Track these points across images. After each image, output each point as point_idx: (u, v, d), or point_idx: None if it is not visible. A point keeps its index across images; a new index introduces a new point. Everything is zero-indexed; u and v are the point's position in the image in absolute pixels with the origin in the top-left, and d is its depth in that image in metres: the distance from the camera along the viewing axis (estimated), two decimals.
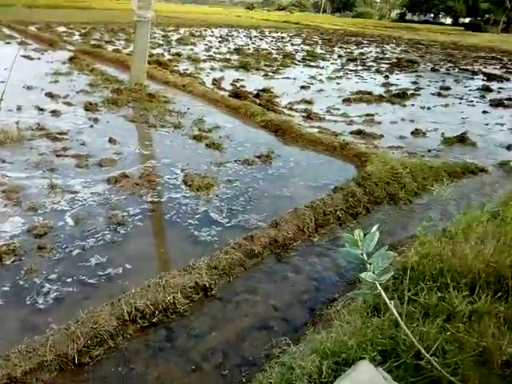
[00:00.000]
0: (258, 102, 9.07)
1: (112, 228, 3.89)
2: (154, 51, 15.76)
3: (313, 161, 5.96)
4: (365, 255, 1.88)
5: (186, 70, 12.82)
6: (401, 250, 3.57)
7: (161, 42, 19.39)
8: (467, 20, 70.03)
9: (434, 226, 4.14)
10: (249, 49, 19.74)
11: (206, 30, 28.81)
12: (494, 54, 26.31)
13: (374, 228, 1.96)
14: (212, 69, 13.48)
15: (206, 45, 20.02)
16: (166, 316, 2.89)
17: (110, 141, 6.03)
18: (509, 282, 2.47)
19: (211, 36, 25.23)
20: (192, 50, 17.77)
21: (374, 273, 1.86)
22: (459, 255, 2.71)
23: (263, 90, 10.38)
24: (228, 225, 4.10)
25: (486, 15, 64.58)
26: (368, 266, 1.88)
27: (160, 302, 2.90)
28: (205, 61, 14.96)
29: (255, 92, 10.11)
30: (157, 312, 2.87)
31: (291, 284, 3.36)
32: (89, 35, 20.44)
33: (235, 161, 5.63)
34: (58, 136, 6.07)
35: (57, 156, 5.41)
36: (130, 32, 20.28)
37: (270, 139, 6.73)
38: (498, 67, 19.81)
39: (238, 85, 11.17)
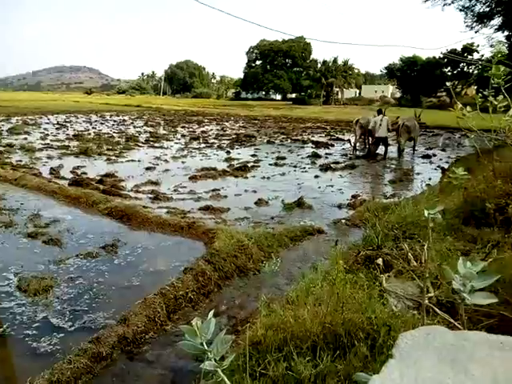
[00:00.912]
0: (101, 188, 8.82)
1: None
2: None
3: (161, 244, 5.88)
4: (205, 344, 1.88)
5: (20, 161, 11.98)
6: (252, 322, 3.64)
7: None
8: (293, 95, 79.57)
9: (281, 291, 4.38)
10: (89, 134, 19.39)
11: (41, 118, 27.69)
12: (318, 124, 30.05)
13: (210, 314, 1.97)
14: (49, 157, 12.86)
15: (42, 133, 19.14)
16: None
17: None
18: (343, 339, 2.67)
19: (47, 123, 24.25)
20: (26, 139, 16.78)
21: (215, 360, 1.86)
22: (300, 320, 2.86)
23: (107, 175, 10.17)
24: (72, 329, 3.75)
25: (309, 90, 74.26)
26: (208, 354, 1.87)
27: None
28: (41, 150, 14.24)
29: (98, 178, 9.85)
30: None
31: (146, 382, 3.16)
32: None
33: (77, 255, 5.25)
34: None
35: None
36: None
37: (114, 227, 6.49)
38: (323, 135, 22.58)
39: (79, 172, 10.78)
